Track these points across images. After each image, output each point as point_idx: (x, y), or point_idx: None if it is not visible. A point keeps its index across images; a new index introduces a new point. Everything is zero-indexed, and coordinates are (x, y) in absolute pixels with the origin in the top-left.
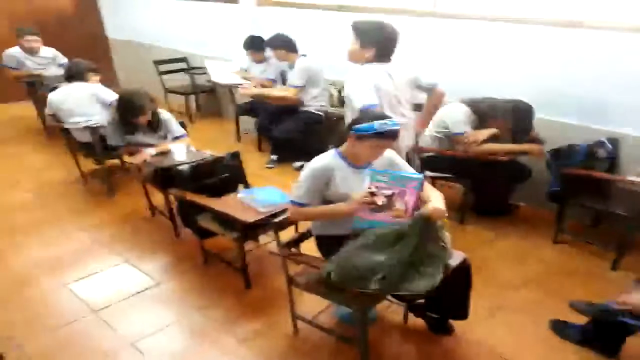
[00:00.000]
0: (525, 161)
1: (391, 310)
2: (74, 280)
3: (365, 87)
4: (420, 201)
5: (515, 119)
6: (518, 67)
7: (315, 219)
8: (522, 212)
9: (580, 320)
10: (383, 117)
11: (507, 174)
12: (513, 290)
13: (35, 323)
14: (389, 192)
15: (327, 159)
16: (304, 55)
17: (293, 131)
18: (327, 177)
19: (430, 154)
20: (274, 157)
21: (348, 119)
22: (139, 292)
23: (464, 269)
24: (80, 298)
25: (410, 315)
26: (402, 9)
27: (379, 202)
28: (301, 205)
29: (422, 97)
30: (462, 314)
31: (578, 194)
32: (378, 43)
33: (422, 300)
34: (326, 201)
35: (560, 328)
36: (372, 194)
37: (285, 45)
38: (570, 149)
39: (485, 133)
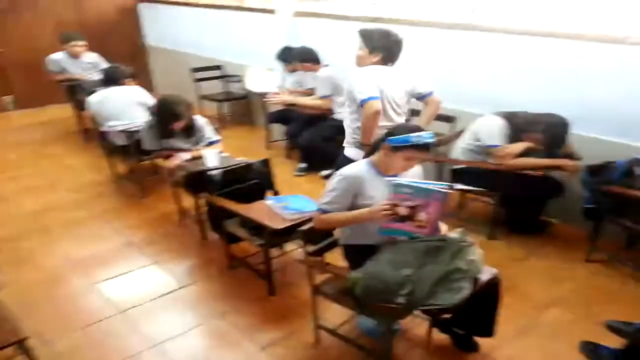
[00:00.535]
0: (559, 176)
1: (415, 323)
2: (103, 279)
3: (368, 82)
4: (444, 212)
5: (550, 133)
6: (556, 82)
7: (338, 226)
8: (554, 228)
9: (613, 342)
10: (418, 129)
11: (540, 189)
12: (542, 310)
13: (64, 320)
14: (412, 203)
15: (358, 168)
16: (327, 66)
17: (317, 139)
18: (357, 186)
19: (462, 166)
20: (303, 165)
21: (346, 120)
22: (164, 294)
23: (493, 285)
24: (108, 298)
25: (435, 330)
26: (438, 21)
27: (401, 213)
28: (327, 212)
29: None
30: (489, 332)
31: (614, 212)
32: (385, 49)
33: (448, 315)
34: (353, 210)
35: (591, 350)
36: (394, 204)
37: (309, 57)
38: (607, 165)
39: (519, 147)
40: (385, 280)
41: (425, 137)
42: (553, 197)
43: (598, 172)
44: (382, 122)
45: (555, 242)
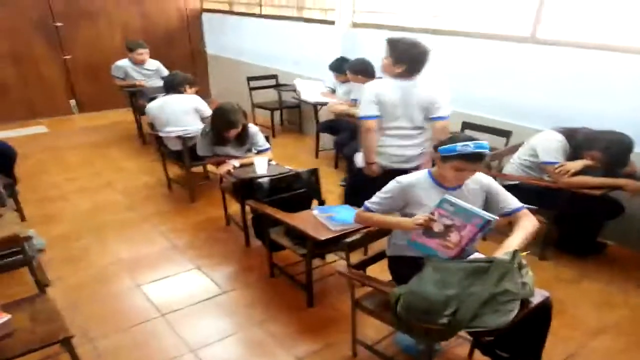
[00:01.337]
0: (619, 197)
1: (457, 343)
2: (147, 282)
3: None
4: (476, 239)
5: (612, 152)
6: (620, 98)
7: (376, 226)
8: (610, 251)
9: None
10: (468, 139)
11: (597, 209)
12: (592, 337)
13: (108, 320)
14: (449, 222)
15: (417, 176)
16: (380, 78)
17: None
18: (410, 194)
19: (514, 182)
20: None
21: None
22: (205, 300)
23: (544, 309)
24: (151, 300)
25: (477, 352)
26: (498, 34)
27: (435, 229)
28: (369, 210)
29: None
30: (535, 357)
31: None
32: (410, 60)
33: (490, 337)
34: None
35: None
36: (432, 219)
37: (363, 70)
38: None
39: (578, 164)
40: (429, 299)
41: (473, 146)
42: (611, 218)
43: None
44: (389, 138)
45: (610, 265)
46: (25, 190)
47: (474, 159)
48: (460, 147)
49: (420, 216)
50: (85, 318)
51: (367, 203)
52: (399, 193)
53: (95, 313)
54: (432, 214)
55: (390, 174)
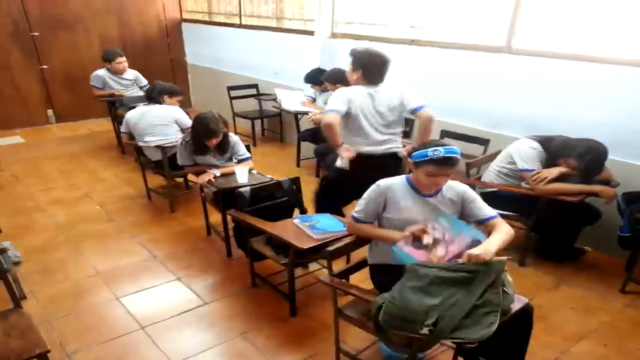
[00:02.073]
0: (595, 203)
1: (440, 351)
2: (127, 294)
3: (338, 99)
4: (462, 256)
5: (586, 159)
6: (594, 106)
7: (367, 237)
8: (588, 257)
9: None
10: (439, 144)
11: (574, 215)
12: (573, 342)
13: (86, 334)
14: (439, 235)
15: (394, 181)
16: None
17: None
18: (387, 197)
19: (492, 189)
20: None
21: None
22: (186, 311)
23: (525, 315)
24: (130, 312)
25: (461, 359)
26: (475, 44)
27: (424, 241)
28: (358, 220)
29: None
30: None
31: None
32: (364, 67)
33: (472, 345)
34: (384, 224)
35: None
36: (424, 230)
37: (341, 79)
38: None
39: (554, 172)
40: (409, 308)
41: (443, 151)
42: (588, 224)
43: (636, 199)
44: (358, 137)
45: (588, 271)
46: None
47: (445, 164)
48: (431, 152)
49: (414, 227)
50: (62, 332)
51: (353, 213)
52: (378, 195)
53: (72, 326)
54: (426, 226)
55: (363, 160)
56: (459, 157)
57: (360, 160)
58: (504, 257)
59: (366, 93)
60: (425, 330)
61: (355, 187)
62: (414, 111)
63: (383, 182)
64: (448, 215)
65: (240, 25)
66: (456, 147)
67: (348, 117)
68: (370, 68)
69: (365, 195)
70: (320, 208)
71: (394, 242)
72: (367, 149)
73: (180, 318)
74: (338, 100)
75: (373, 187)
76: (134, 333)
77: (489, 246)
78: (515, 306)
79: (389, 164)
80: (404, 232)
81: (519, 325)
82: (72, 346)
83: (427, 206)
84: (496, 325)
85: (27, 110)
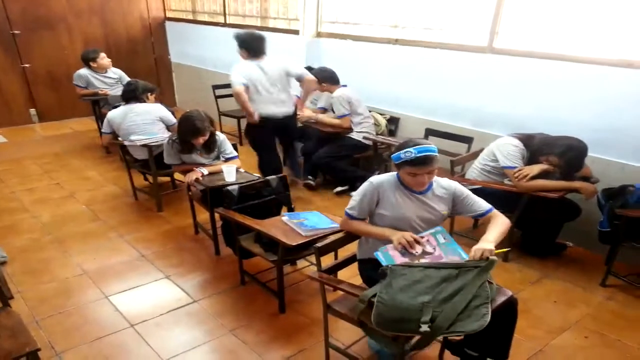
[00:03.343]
0: (575, 199)
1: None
2: (115, 292)
3: (237, 74)
4: None
5: (567, 156)
6: (575, 105)
7: (360, 234)
8: (569, 252)
9: None
10: (412, 145)
11: (556, 211)
12: (556, 334)
13: (75, 333)
14: (430, 249)
15: (386, 178)
16: (344, 86)
17: (328, 157)
18: (379, 194)
19: (476, 186)
20: (310, 177)
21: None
22: (175, 309)
23: (509, 307)
24: (119, 310)
25: (447, 352)
26: (457, 44)
27: (414, 250)
28: (352, 217)
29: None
30: (503, 355)
31: (630, 236)
32: (247, 46)
33: (458, 337)
34: (376, 220)
35: None
36: (417, 241)
37: (328, 77)
38: (624, 189)
39: (535, 169)
40: (401, 307)
41: (415, 152)
42: (569, 220)
43: (615, 195)
44: (257, 96)
45: (570, 265)
46: None
47: (421, 163)
48: (403, 154)
49: (409, 235)
50: (51, 331)
51: (347, 210)
52: (372, 192)
53: (61, 326)
54: (422, 237)
55: (268, 121)
56: (433, 154)
57: (264, 120)
58: (504, 250)
59: (255, 66)
60: (425, 328)
61: (270, 137)
62: (299, 78)
63: (376, 179)
64: (446, 233)
65: (225, 24)
66: (431, 144)
67: (248, 87)
68: (252, 44)
69: (359, 191)
70: (263, 163)
71: (389, 241)
72: (267, 110)
73: (169, 316)
74: (237, 76)
75: (366, 184)
76: (123, 331)
77: (488, 242)
78: (500, 299)
79: (286, 123)
80: (399, 237)
81: (504, 318)
82: (62, 345)
83: (418, 202)
84: (489, 317)
85: (9, 109)
